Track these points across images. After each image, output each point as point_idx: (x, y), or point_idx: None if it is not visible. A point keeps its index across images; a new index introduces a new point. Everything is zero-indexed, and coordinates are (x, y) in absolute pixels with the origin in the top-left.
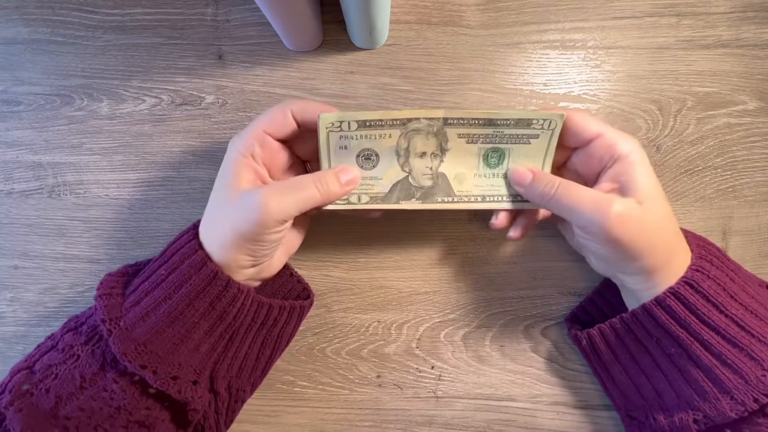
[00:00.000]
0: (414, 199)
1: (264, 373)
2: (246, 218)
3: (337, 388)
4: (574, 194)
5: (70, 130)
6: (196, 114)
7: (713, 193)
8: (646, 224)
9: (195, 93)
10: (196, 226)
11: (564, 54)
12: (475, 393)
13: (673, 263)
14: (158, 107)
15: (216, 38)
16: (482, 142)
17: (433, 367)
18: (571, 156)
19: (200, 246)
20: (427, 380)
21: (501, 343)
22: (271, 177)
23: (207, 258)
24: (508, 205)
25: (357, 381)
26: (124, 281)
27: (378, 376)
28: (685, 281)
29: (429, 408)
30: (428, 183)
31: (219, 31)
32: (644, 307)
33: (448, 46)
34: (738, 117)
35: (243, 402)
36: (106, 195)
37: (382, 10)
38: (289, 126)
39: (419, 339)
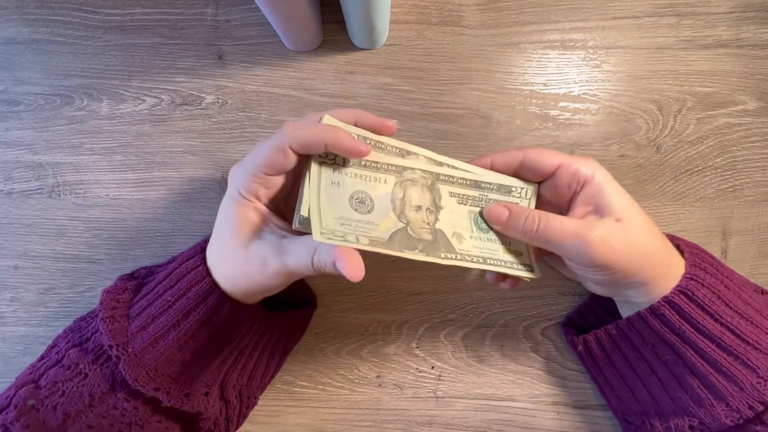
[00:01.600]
0: (417, 251)
1: (273, 376)
2: (261, 281)
3: (337, 388)
4: (557, 227)
5: (70, 130)
6: (196, 114)
7: (713, 193)
8: (630, 238)
9: (195, 93)
10: (203, 249)
11: (564, 54)
12: (475, 393)
13: (669, 272)
14: (158, 107)
15: (216, 38)
16: (471, 205)
17: (433, 367)
18: (538, 190)
19: (208, 273)
20: (427, 380)
21: (501, 343)
22: (273, 198)
23: (215, 285)
24: (510, 271)
25: (357, 381)
26: (125, 300)
27: (378, 376)
28: (680, 290)
29: (429, 408)
30: (428, 237)
31: (219, 31)
32: (639, 315)
33: (448, 46)
34: (738, 117)
35: (253, 406)
36: (106, 195)
37: (382, 10)
38: (290, 163)
39: (419, 339)
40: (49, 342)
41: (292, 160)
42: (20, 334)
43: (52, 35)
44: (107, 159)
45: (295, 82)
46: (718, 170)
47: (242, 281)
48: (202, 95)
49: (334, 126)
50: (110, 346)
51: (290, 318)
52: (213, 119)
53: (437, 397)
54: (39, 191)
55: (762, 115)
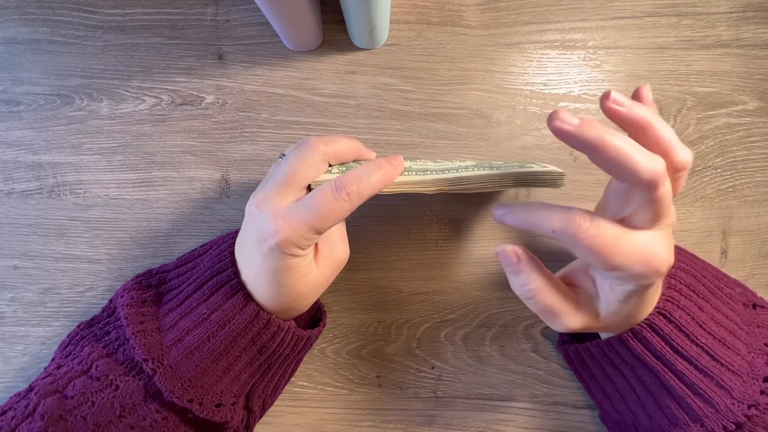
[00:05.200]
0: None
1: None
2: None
3: (337, 388)
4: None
5: (70, 130)
6: (196, 114)
7: (713, 193)
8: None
9: (195, 93)
10: (231, 252)
11: (564, 54)
12: (475, 393)
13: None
14: (158, 107)
15: (216, 38)
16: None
17: (433, 367)
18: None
19: (242, 286)
20: (427, 380)
21: (501, 343)
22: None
23: (249, 298)
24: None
25: (357, 381)
26: (150, 312)
27: (378, 376)
28: (658, 311)
29: (429, 408)
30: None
31: (219, 31)
32: (620, 339)
33: (448, 46)
34: (738, 117)
35: (267, 411)
36: (106, 195)
37: (382, 10)
38: None
39: (419, 339)
40: (50, 343)
41: None
42: (20, 334)
43: (52, 35)
44: (107, 159)
45: (295, 82)
46: (718, 170)
47: (276, 301)
48: (202, 95)
49: (378, 164)
50: (145, 360)
51: (315, 335)
52: (213, 119)
53: (437, 397)
54: (39, 191)
55: (762, 115)
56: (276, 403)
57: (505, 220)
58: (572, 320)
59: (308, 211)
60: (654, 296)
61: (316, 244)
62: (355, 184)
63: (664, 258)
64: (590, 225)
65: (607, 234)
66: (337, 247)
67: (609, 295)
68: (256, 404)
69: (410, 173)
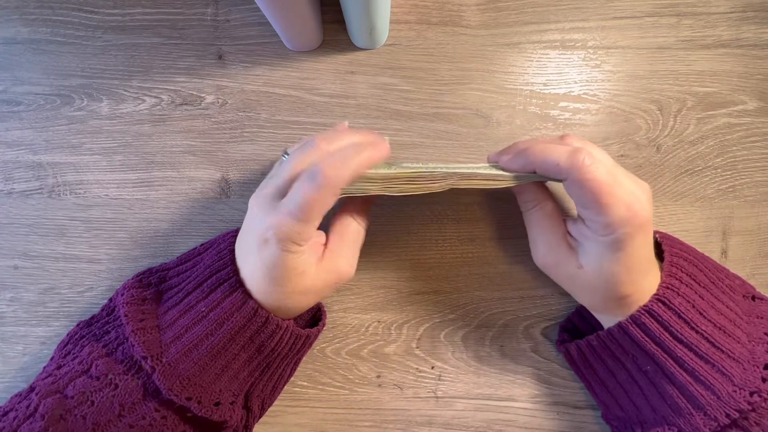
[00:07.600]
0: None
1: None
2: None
3: (337, 388)
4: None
5: (70, 130)
6: (196, 114)
7: (713, 193)
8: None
9: (195, 93)
10: (233, 261)
11: (564, 54)
12: (475, 393)
13: (645, 283)
14: (158, 107)
15: (216, 38)
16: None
17: (433, 367)
18: None
19: (240, 283)
20: (427, 380)
21: (501, 343)
22: None
23: (247, 295)
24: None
25: (357, 381)
26: (150, 310)
27: (378, 376)
28: (658, 298)
29: (429, 408)
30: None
31: (219, 31)
32: (620, 326)
33: (448, 46)
34: (738, 117)
35: (266, 411)
36: (106, 195)
37: (382, 10)
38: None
39: (419, 339)
40: (50, 343)
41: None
42: (20, 334)
43: (52, 35)
44: (107, 159)
45: (295, 82)
46: (718, 170)
47: (275, 301)
48: (202, 95)
49: (359, 146)
50: (144, 358)
51: (314, 334)
52: (213, 119)
53: (437, 397)
54: (39, 191)
55: (762, 115)
56: (276, 403)
57: (511, 164)
58: (554, 251)
59: (292, 204)
60: (638, 263)
61: (323, 253)
62: (332, 169)
63: (645, 207)
64: (592, 162)
65: (604, 173)
66: (341, 260)
67: (592, 245)
68: (255, 404)
69: (419, 169)
